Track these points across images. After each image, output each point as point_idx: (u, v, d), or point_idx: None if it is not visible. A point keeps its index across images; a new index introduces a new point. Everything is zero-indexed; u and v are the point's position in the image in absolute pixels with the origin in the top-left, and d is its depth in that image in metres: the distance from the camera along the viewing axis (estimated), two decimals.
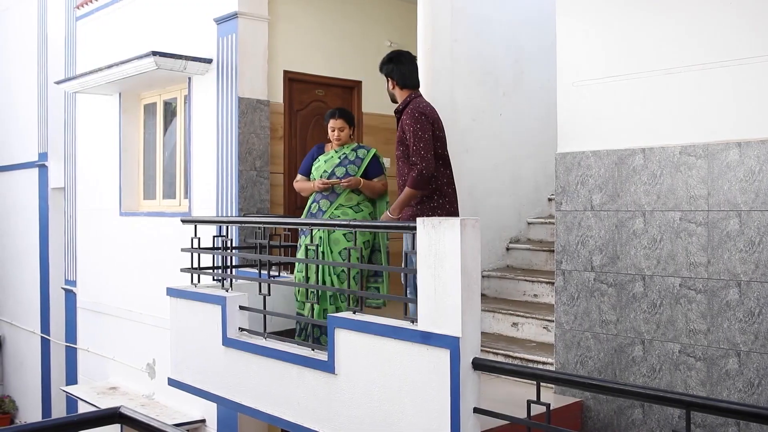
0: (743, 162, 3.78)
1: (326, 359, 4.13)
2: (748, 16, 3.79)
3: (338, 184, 5.55)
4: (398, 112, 4.86)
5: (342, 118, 5.72)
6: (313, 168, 5.75)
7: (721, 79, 3.88)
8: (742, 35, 3.81)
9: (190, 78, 7.68)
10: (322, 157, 5.76)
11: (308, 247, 4.74)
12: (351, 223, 4.45)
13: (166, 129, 8.64)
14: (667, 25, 4.11)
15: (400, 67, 4.88)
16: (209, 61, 7.39)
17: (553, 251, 4.80)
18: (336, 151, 5.72)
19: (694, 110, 4.00)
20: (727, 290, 3.85)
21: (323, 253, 5.33)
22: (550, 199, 6.58)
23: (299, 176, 5.93)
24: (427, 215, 4.52)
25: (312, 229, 5.28)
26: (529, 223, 6.50)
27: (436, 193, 4.76)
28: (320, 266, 5.13)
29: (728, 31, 3.86)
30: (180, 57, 7.30)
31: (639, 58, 4.22)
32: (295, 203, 7.64)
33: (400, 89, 4.89)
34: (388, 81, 4.93)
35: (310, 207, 5.71)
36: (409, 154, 4.68)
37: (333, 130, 5.72)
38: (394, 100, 5.00)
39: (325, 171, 5.64)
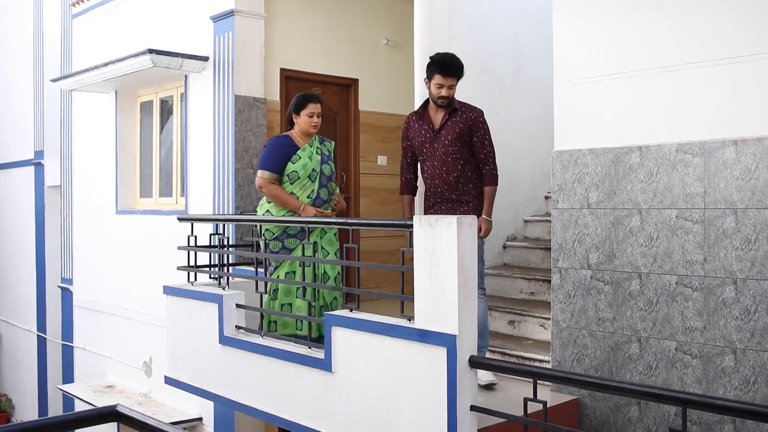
0: (739, 160, 3.78)
1: (323, 357, 4.13)
2: (745, 15, 3.79)
3: (334, 211, 5.34)
4: (452, 110, 4.77)
5: (320, 103, 5.29)
6: (296, 167, 5.13)
7: (717, 77, 3.88)
8: (739, 34, 3.81)
9: (186, 76, 7.67)
10: (302, 153, 5.18)
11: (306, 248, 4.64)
12: (347, 221, 4.44)
13: (162, 127, 8.63)
14: (663, 24, 4.11)
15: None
16: (206, 58, 7.38)
17: (550, 249, 4.80)
18: (310, 145, 5.23)
19: (691, 108, 4.00)
20: (723, 288, 3.86)
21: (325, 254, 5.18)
22: (546, 197, 6.59)
23: (268, 174, 5.14)
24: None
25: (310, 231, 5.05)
26: (525, 221, 6.51)
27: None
28: (322, 268, 5.10)
29: (725, 30, 3.86)
30: (176, 55, 7.28)
31: (635, 56, 4.22)
32: None
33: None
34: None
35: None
36: (468, 151, 4.76)
37: (312, 116, 5.19)
38: (444, 98, 4.75)
39: (314, 170, 5.17)
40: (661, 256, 4.09)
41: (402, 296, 3.83)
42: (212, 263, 5.66)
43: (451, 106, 4.79)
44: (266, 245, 5.11)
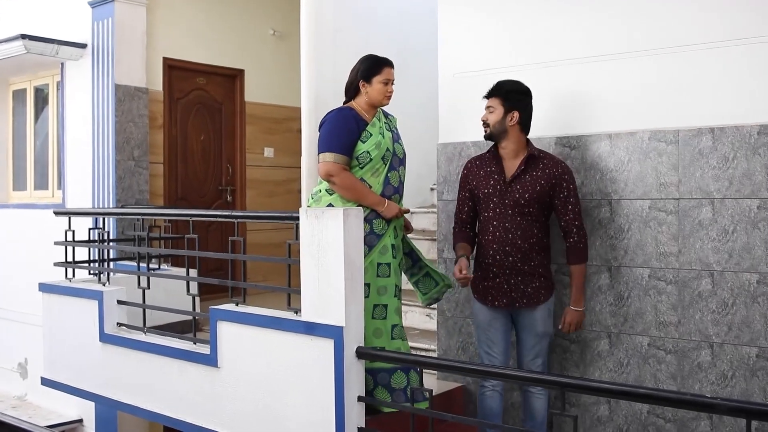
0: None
1: (209, 352, 4.07)
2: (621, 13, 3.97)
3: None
4: (529, 157, 3.85)
5: (393, 68, 4.15)
6: (367, 146, 3.96)
7: (601, 72, 4.05)
8: (614, 32, 3.98)
9: (63, 63, 7.36)
10: (372, 129, 4.01)
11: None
12: (233, 213, 4.37)
13: (37, 117, 8.25)
14: (545, 20, 4.25)
15: (530, 107, 3.92)
16: (84, 46, 7.10)
17: (435, 240, 4.89)
18: (378, 119, 4.09)
19: (570, 104, 4.15)
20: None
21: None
22: (432, 189, 6.69)
23: (340, 158, 3.91)
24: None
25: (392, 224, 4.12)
26: (412, 213, 6.57)
27: None
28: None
29: (604, 28, 4.03)
30: (52, 41, 6.98)
31: (518, 52, 4.35)
32: (176, 194, 7.45)
33: (520, 131, 3.87)
34: (507, 113, 3.85)
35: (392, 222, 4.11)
36: (546, 214, 3.90)
37: (387, 83, 4.07)
38: (492, 136, 3.94)
39: (387, 150, 4.03)
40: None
41: (289, 289, 3.81)
42: (92, 259, 5.45)
43: (501, 141, 3.90)
44: None
